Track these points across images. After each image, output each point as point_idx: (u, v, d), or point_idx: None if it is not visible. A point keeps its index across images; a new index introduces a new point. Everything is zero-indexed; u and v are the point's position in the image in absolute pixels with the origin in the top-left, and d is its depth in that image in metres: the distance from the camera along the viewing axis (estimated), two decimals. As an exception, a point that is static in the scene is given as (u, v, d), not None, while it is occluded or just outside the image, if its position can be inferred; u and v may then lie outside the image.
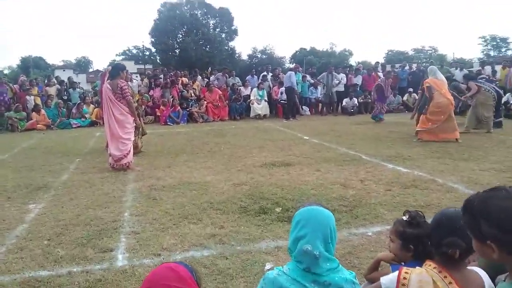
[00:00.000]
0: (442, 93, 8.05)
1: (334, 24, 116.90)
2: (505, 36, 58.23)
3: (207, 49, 42.79)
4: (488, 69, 14.42)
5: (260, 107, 14.12)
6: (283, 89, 13.81)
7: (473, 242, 1.27)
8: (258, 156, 6.86)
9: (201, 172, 5.74)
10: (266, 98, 14.34)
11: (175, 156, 7.11)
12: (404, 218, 1.92)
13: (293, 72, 13.49)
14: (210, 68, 21.05)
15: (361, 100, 15.03)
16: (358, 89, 15.60)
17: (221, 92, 14.16)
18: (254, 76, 16.04)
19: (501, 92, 10.53)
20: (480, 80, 9.89)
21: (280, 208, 3.99)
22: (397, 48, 70.46)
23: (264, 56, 52.24)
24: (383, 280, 1.56)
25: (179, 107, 13.27)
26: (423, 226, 1.84)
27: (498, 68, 14.63)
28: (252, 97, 14.20)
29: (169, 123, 12.87)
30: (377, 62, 18.37)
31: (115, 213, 4.11)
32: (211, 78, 15.80)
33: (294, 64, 15.02)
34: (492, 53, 55.96)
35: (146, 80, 14.93)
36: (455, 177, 5.12)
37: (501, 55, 50.38)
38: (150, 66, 36.59)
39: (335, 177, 5.22)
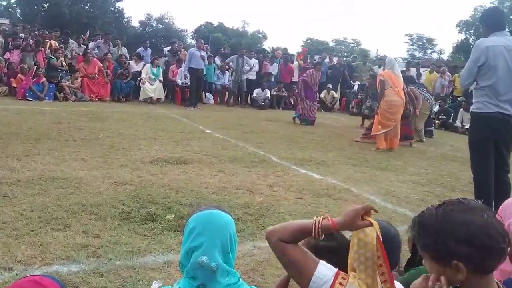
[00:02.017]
0: (396, 91, 8.52)
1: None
2: (431, 37, 65.01)
3: (87, 7, 40.54)
4: (413, 71, 16.04)
5: (153, 88, 13.85)
6: (183, 69, 13.74)
7: (431, 265, 1.35)
8: (148, 149, 6.77)
9: (71, 165, 5.48)
10: (161, 78, 14.12)
11: (36, 142, 6.67)
12: None
13: (198, 50, 13.44)
14: (88, 32, 20.02)
15: (274, 93, 15.63)
16: (273, 79, 16.14)
17: (101, 65, 13.57)
18: (148, 49, 15.70)
19: (433, 99, 11.68)
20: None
21: (173, 215, 3.99)
22: (316, 37, 74.29)
23: (161, 26, 51.18)
24: (319, 271, 1.61)
25: (44, 79, 12.39)
26: (338, 237, 1.97)
27: (423, 71, 16.37)
28: (143, 75, 13.85)
29: (29, 98, 11.95)
30: (285, 48, 19.23)
31: None
32: (90, 45, 15.08)
33: (198, 40, 14.91)
34: (417, 53, 62.07)
35: (0, 39, 13.68)
36: (371, 188, 5.62)
37: (426, 57, 56.13)
38: (7, 21, 33.40)
39: (240, 180, 5.38)
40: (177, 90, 14.28)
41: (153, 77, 13.95)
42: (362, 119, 12.50)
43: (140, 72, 14.06)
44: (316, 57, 20.14)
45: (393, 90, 8.53)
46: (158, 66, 14.17)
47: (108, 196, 4.42)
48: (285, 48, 20.06)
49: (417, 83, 10.83)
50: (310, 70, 12.26)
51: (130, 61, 14.55)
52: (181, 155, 6.47)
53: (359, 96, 16.19)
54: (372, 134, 8.82)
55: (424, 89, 10.82)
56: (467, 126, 12.03)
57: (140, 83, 13.75)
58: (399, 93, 8.56)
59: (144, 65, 14.27)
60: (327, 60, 18.28)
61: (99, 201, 4.26)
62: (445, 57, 54.51)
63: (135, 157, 6.14)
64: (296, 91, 13.29)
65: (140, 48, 15.62)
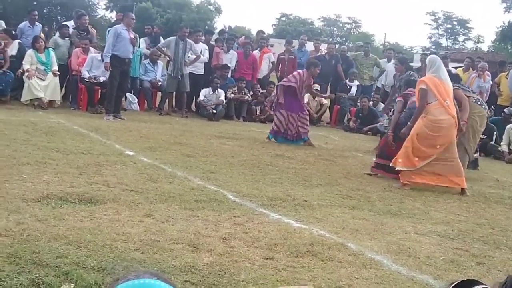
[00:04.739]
0: (445, 106, 8.59)
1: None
2: (465, 18, 66.66)
3: None
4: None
5: (44, 85, 13.69)
6: (95, 55, 13.61)
7: None
8: (34, 180, 6.67)
9: None
10: (56, 69, 13.96)
11: None
12: None
13: (126, 29, 13.18)
14: None
15: (232, 95, 15.69)
16: (230, 75, 16.28)
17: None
18: (36, 23, 15.58)
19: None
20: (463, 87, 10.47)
21: (73, 285, 3.93)
22: (296, 13, 75.53)
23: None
24: None
25: None
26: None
27: (453, 68, 16.67)
28: (27, 65, 13.69)
29: None
30: (261, 31, 19.51)
31: None
32: None
33: (127, 15, 14.19)
34: (444, 42, 63.68)
35: None
36: (377, 243, 5.65)
37: (457, 47, 57.65)
38: None
39: (179, 230, 5.33)
40: (83, 89, 14.16)
41: (44, 68, 13.78)
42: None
43: (20, 60, 13.81)
44: (295, 42, 20.31)
45: (441, 104, 8.63)
46: (48, 49, 13.99)
47: (-30, 254, 4.31)
48: (261, 31, 20.17)
49: (463, 86, 10.60)
50: (300, 72, 12.43)
51: (5, 41, 14.18)
52: (86, 190, 6.38)
53: (358, 104, 16.44)
54: (399, 167, 8.77)
55: (474, 93, 10.68)
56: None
57: (25, 77, 13.54)
58: (450, 109, 8.66)
59: (27, 49, 13.99)
60: (309, 47, 18.54)
61: (-45, 261, 4.14)
62: (485, 47, 56.15)
63: (13, 193, 6.02)
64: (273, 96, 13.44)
65: (24, 23, 15.48)
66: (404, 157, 8.76)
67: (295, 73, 12.54)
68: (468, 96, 9.87)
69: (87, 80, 13.97)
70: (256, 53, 17.15)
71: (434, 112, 8.65)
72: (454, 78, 10.50)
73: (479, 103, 10.08)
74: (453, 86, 9.70)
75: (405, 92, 10.13)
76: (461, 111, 9.40)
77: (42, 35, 15.06)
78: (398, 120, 9.61)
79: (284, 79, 12.76)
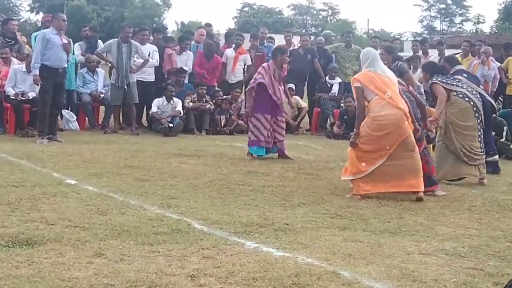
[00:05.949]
0: (387, 100, 8.68)
1: None
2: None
3: None
4: (433, 56, 16.45)
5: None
6: (18, 67, 13.51)
7: None
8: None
9: None
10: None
11: None
12: None
13: (56, 33, 13.10)
14: None
15: (191, 104, 15.65)
16: (187, 80, 16.34)
17: None
18: None
19: (492, 101, 11.18)
20: (456, 77, 10.42)
21: None
22: (261, 2, 76.09)
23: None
24: None
25: None
26: None
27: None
28: None
29: None
30: (208, 24, 19.45)
31: None
32: None
33: (57, 16, 14.05)
34: (438, 25, 64.33)
35: None
36: (374, 268, 5.59)
37: (454, 30, 58.20)
38: None
39: (137, 270, 5.26)
40: (8, 108, 14.08)
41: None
42: None
43: None
44: (262, 33, 20.13)
45: (381, 98, 8.75)
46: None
47: None
48: (207, 24, 20.12)
49: (447, 77, 10.32)
50: (265, 65, 12.35)
51: None
52: (21, 230, 6.28)
53: (342, 105, 16.44)
54: (343, 177, 9.03)
55: (462, 86, 10.28)
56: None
57: None
58: (394, 101, 8.73)
59: None
60: (279, 41, 18.51)
61: None
62: (486, 28, 56.67)
63: None
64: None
65: None
66: (350, 164, 8.93)
67: (260, 68, 12.32)
68: (449, 90, 9.92)
69: (13, 97, 13.81)
70: (230, 53, 17.06)
71: (375, 108, 8.77)
72: (435, 68, 10.69)
73: (460, 95, 10.00)
74: (432, 80, 10.01)
75: None
76: (439, 104, 9.79)
77: None
78: None
79: (251, 82, 12.46)
